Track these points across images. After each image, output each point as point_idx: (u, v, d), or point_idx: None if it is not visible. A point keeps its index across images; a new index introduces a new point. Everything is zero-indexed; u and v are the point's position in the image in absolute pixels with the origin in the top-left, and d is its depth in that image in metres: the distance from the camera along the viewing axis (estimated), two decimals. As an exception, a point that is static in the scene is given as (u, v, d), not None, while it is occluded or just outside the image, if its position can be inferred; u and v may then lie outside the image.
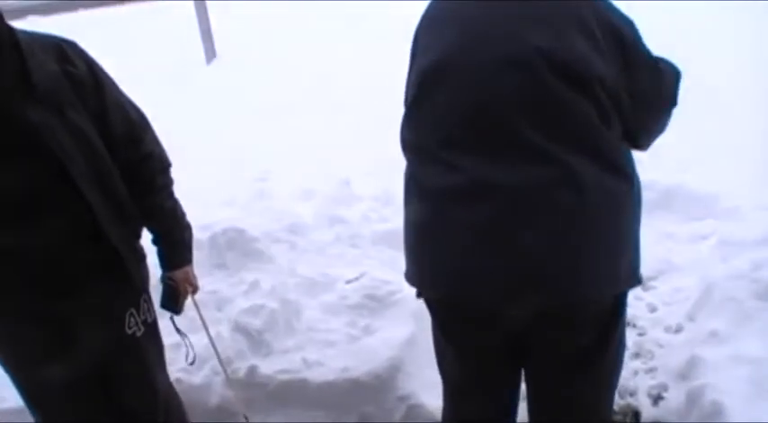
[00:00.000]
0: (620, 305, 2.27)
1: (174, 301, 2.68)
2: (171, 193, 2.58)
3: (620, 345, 2.38)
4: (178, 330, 2.80)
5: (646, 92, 2.13)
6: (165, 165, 2.54)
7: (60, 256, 2.26)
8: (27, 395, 2.46)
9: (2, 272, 2.21)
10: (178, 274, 2.66)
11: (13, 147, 2.09)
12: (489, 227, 2.03)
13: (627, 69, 2.06)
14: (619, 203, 2.09)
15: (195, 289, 2.77)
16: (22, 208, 2.15)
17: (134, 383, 2.56)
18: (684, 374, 3.23)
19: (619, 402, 3.30)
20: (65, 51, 2.22)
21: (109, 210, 2.30)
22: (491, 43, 2.03)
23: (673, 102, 2.26)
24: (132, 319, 2.48)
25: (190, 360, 2.91)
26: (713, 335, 3.25)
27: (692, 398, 3.03)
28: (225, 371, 3.14)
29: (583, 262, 2.05)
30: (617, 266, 2.11)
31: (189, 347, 2.87)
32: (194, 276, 2.75)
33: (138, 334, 2.51)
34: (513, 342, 2.33)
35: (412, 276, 2.29)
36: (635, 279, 2.20)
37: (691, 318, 3.61)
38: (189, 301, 2.78)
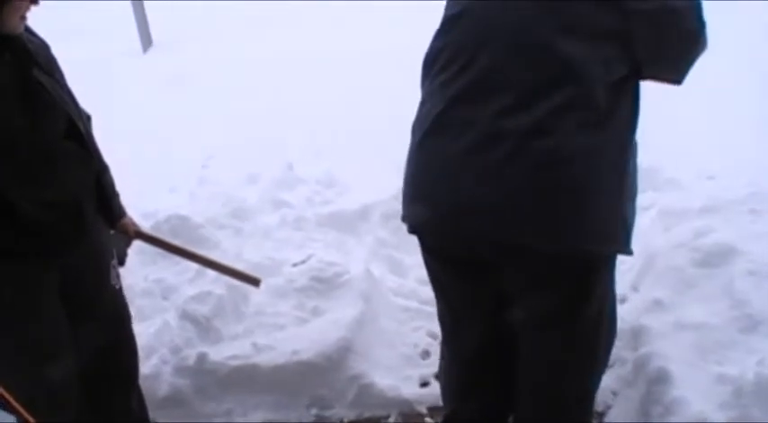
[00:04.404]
0: (593, 269, 2.27)
1: (121, 252, 2.76)
2: None
3: (598, 314, 2.40)
4: None
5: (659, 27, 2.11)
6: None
7: (76, 208, 2.33)
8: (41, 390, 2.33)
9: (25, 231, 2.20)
10: (125, 220, 2.75)
11: (40, 106, 2.21)
12: (462, 159, 2.16)
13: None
14: (595, 157, 2.11)
15: (138, 230, 2.86)
16: (47, 163, 2.23)
17: (119, 345, 2.68)
18: (630, 343, 3.28)
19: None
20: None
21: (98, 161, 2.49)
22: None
23: (695, 25, 2.18)
24: (114, 271, 2.60)
25: None
26: (657, 303, 3.29)
27: (639, 365, 3.08)
28: None
29: (550, 211, 2.11)
30: (588, 221, 2.14)
31: None
32: None
33: (117, 287, 2.61)
34: (495, 294, 2.42)
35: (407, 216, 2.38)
36: (614, 243, 2.20)
37: (635, 288, 3.67)
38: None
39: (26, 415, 1.87)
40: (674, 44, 2.15)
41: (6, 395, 1.91)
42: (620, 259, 3.92)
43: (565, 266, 2.23)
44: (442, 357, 2.80)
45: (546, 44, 2.07)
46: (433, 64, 2.29)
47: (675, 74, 2.25)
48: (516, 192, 2.11)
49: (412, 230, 2.41)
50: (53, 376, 2.34)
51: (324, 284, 3.69)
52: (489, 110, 2.12)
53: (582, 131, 2.07)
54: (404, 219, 2.40)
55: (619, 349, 3.35)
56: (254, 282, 3.18)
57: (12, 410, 1.94)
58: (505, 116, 2.09)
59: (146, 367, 3.30)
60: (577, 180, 2.10)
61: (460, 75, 2.18)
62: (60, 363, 2.37)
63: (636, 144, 2.27)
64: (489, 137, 2.11)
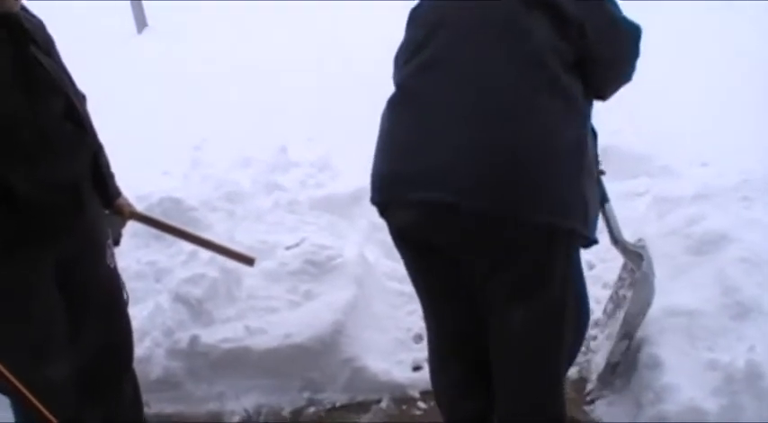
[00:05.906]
0: (551, 245, 2.18)
1: (116, 232, 2.75)
2: None
3: (562, 296, 2.30)
4: None
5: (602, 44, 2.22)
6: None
7: (75, 189, 2.34)
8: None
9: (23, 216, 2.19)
10: (120, 200, 2.75)
11: (39, 85, 2.20)
12: (414, 132, 2.20)
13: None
14: (551, 120, 2.12)
15: (133, 210, 2.86)
16: (47, 144, 2.21)
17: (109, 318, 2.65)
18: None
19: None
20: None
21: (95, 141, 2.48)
22: None
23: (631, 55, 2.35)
24: (109, 250, 2.59)
25: None
26: (649, 289, 3.30)
27: (631, 351, 3.09)
28: None
29: (503, 177, 2.08)
30: (544, 189, 2.09)
31: None
32: None
33: (112, 265, 2.61)
34: (458, 280, 2.39)
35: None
36: (573, 219, 2.13)
37: (627, 273, 3.67)
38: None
39: (31, 398, 1.88)
40: (609, 47, 2.25)
41: (11, 377, 1.92)
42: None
43: (522, 240, 2.15)
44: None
45: (503, 17, 2.15)
46: (399, 59, 2.38)
47: (603, 88, 2.37)
48: (470, 157, 2.09)
49: (377, 208, 2.39)
50: (52, 374, 2.33)
51: (317, 268, 3.69)
52: (438, 81, 2.18)
53: (537, 93, 2.11)
54: (371, 199, 2.38)
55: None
56: (248, 261, 3.17)
57: (16, 395, 1.95)
58: (453, 86, 2.15)
59: (139, 350, 3.29)
60: (532, 141, 2.08)
61: (416, 55, 2.26)
62: (58, 359, 2.36)
63: (594, 130, 2.31)
64: (437, 107, 2.17)
